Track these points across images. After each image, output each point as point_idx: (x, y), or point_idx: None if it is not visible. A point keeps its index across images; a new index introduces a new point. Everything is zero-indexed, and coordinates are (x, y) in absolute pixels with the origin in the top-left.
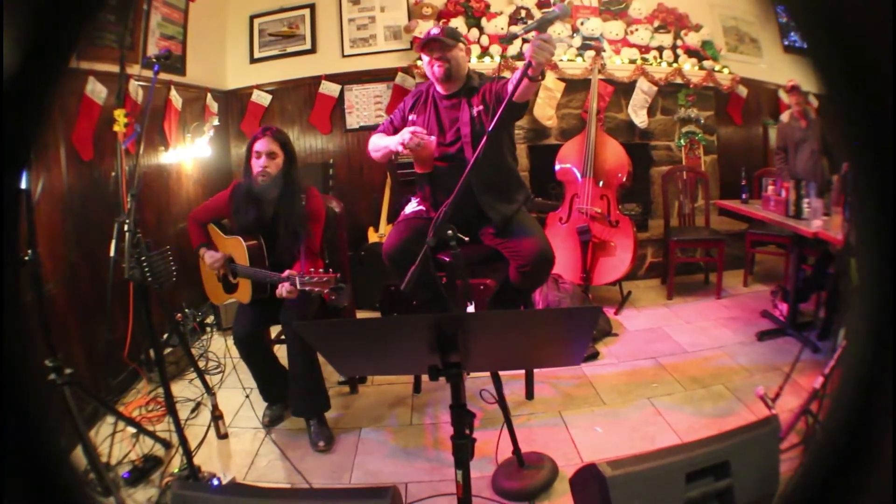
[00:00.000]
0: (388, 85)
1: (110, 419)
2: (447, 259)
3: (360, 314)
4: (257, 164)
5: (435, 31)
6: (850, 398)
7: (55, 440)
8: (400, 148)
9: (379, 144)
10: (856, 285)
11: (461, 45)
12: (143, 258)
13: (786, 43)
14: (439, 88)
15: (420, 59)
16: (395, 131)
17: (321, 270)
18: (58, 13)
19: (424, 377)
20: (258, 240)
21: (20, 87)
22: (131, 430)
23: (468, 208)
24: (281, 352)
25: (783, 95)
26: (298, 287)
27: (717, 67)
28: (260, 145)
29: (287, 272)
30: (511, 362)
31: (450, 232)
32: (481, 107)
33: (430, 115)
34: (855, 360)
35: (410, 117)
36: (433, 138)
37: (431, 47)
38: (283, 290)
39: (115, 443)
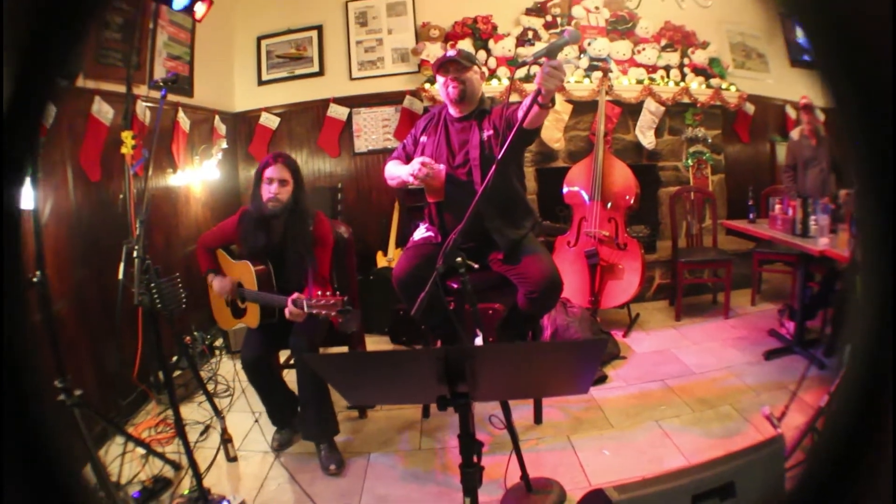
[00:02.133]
0: (396, 108)
1: (120, 440)
2: (456, 285)
3: (369, 338)
4: (268, 191)
5: (451, 52)
6: (850, 409)
7: (66, 457)
8: (410, 179)
9: (394, 173)
10: (858, 299)
11: (476, 67)
12: (153, 285)
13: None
14: (452, 111)
15: (433, 80)
16: (408, 157)
17: (329, 294)
18: (49, 32)
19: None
20: (267, 265)
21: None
22: (141, 451)
23: (476, 234)
24: (289, 376)
25: (791, 111)
26: (306, 310)
27: (724, 85)
28: (271, 171)
29: (295, 295)
30: (519, 392)
31: (459, 259)
32: (491, 131)
33: (441, 138)
34: (856, 372)
35: (422, 139)
36: (442, 167)
37: (447, 68)
38: (290, 311)
39: (124, 463)
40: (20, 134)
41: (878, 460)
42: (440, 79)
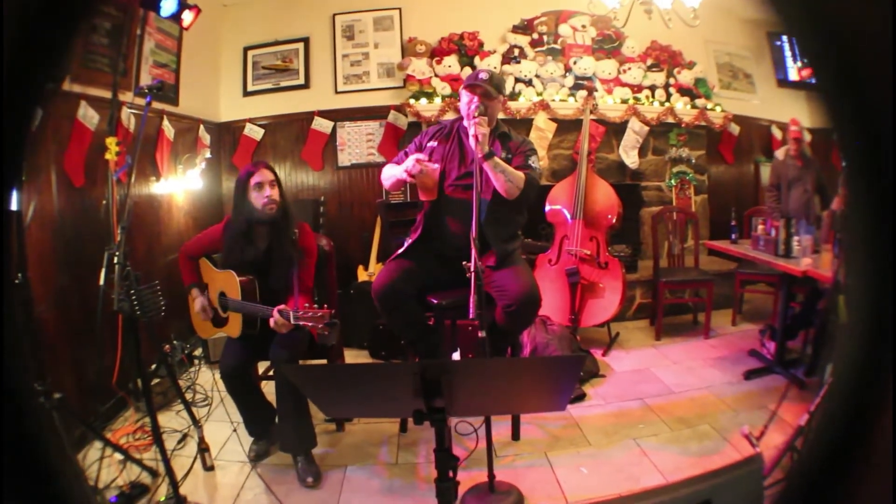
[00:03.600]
0: (380, 123)
1: (98, 444)
2: (434, 301)
3: (348, 352)
4: (262, 196)
5: (484, 75)
6: (831, 428)
7: (51, 454)
8: (405, 175)
9: (389, 173)
10: (841, 317)
11: (501, 97)
12: (133, 291)
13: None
14: (465, 117)
15: (418, 96)
16: None
17: (315, 306)
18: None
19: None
20: (251, 274)
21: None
22: (119, 456)
23: (465, 237)
24: (267, 387)
25: (776, 131)
26: (292, 321)
27: (709, 106)
28: (260, 177)
29: (281, 306)
30: (496, 408)
31: (464, 263)
32: (506, 154)
33: (454, 145)
34: (838, 391)
35: (430, 143)
36: (437, 166)
37: (474, 89)
38: (276, 321)
39: (102, 468)
40: (10, 139)
41: (859, 478)
42: (465, 94)
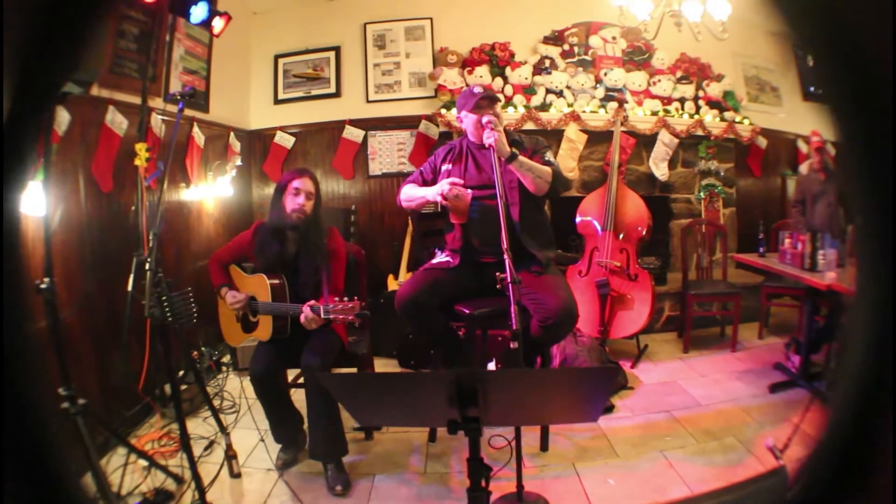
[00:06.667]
0: (411, 132)
1: (122, 450)
2: (466, 311)
3: (378, 361)
4: (294, 202)
5: (478, 89)
6: (840, 439)
7: (66, 465)
8: (439, 199)
9: (413, 195)
10: (849, 327)
11: (499, 103)
12: (164, 298)
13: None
14: (474, 139)
15: (450, 106)
16: (425, 183)
17: (345, 299)
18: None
19: (440, 427)
20: (281, 278)
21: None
22: (143, 462)
23: (512, 248)
24: (296, 396)
25: (802, 145)
26: (323, 316)
27: (737, 118)
28: (300, 184)
29: (312, 301)
30: (530, 418)
31: (497, 273)
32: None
33: (469, 163)
34: (847, 401)
35: (444, 167)
36: (470, 191)
37: (481, 105)
38: (306, 316)
39: (126, 474)
40: (21, 138)
41: (874, 481)
42: (471, 116)
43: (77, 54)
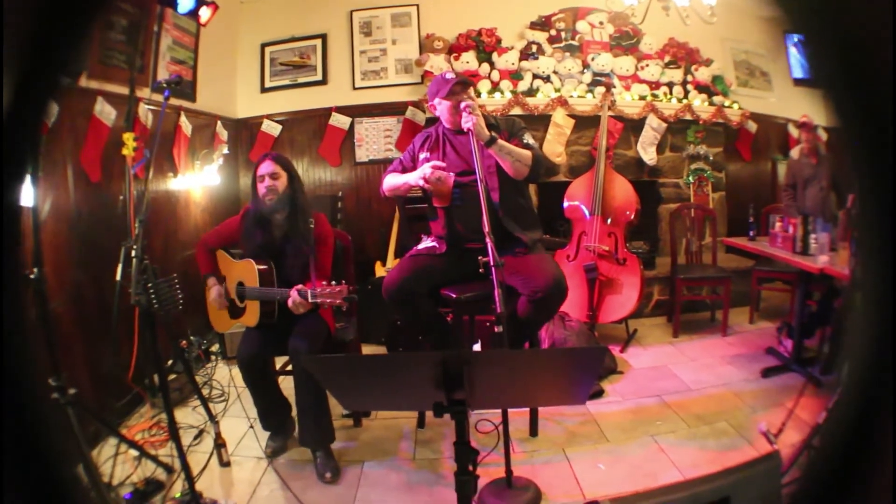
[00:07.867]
0: (398, 119)
1: (113, 440)
2: (453, 296)
3: (366, 348)
4: (262, 187)
5: (451, 75)
6: (846, 426)
7: (59, 454)
8: (421, 182)
9: (395, 183)
10: (857, 315)
11: (472, 88)
12: (150, 285)
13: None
14: (449, 126)
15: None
16: (405, 171)
17: (333, 283)
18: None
19: (428, 412)
20: (269, 263)
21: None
22: (133, 452)
23: (495, 231)
24: (284, 383)
25: (793, 130)
26: (310, 300)
27: (726, 103)
28: (262, 168)
29: (299, 286)
30: (516, 401)
31: (480, 258)
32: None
33: (447, 149)
34: (853, 389)
35: (422, 155)
36: (452, 175)
37: (455, 90)
38: (294, 300)
39: (117, 464)
40: (21, 132)
41: (874, 476)
42: (445, 102)
43: (79, 47)
